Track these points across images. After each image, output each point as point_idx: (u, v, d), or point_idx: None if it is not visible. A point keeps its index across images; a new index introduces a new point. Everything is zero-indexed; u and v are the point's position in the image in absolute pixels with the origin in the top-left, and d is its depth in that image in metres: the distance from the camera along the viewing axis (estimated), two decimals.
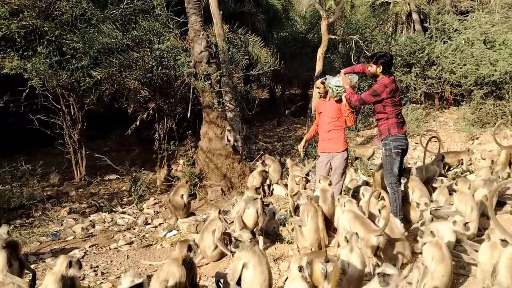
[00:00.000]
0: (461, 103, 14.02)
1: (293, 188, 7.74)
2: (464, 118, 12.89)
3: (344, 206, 5.28)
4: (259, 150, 12.20)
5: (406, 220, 5.98)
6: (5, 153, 10.03)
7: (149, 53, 10.25)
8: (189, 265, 3.90)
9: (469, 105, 13.10)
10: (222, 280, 4.19)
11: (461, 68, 12.92)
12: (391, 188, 5.88)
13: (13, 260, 4.71)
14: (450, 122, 13.72)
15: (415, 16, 18.26)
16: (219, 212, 6.06)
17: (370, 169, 9.10)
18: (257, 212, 6.00)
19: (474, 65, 12.59)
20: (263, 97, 20.73)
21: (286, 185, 9.09)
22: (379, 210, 5.41)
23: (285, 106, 19.14)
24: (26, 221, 8.24)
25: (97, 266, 6.27)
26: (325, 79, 6.33)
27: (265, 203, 6.86)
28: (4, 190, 8.70)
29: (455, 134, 12.40)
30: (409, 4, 18.10)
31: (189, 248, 3.91)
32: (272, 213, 6.40)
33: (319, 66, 11.88)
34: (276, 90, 20.65)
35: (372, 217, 5.42)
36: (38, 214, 8.56)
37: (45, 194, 9.49)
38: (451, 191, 6.41)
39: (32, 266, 6.05)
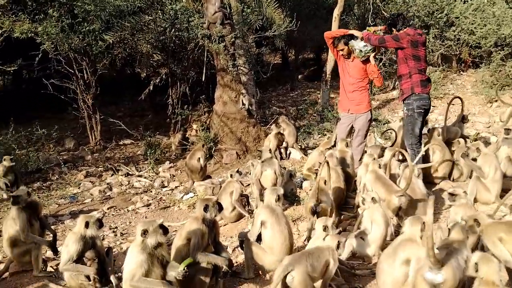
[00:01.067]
0: (480, 65, 13.62)
1: (315, 164, 7.52)
2: (482, 80, 12.55)
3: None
4: (273, 114, 12.08)
5: (427, 181, 5.88)
6: (20, 118, 10.05)
7: (161, 15, 10.02)
8: (210, 224, 3.88)
9: (488, 67, 12.72)
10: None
11: (481, 28, 12.48)
12: (411, 149, 5.78)
13: (34, 221, 4.74)
14: (468, 84, 13.38)
15: None
16: (237, 172, 6.02)
17: (386, 131, 8.95)
18: (275, 173, 5.96)
19: (495, 25, 12.15)
20: (275, 61, 20.38)
21: (302, 149, 9.02)
22: (403, 171, 5.32)
23: (299, 70, 18.81)
24: (44, 184, 8.33)
25: (116, 227, 6.34)
26: (348, 40, 6.13)
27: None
28: (20, 155, 8.76)
29: (473, 97, 12.11)
30: None
31: (205, 208, 3.87)
32: (289, 175, 6.36)
33: (334, 28, 11.53)
34: (289, 54, 20.27)
35: (392, 178, 5.34)
36: (55, 178, 8.64)
37: (61, 158, 9.54)
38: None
39: (52, 227, 6.15)
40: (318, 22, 15.31)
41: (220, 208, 3.93)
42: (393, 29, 5.82)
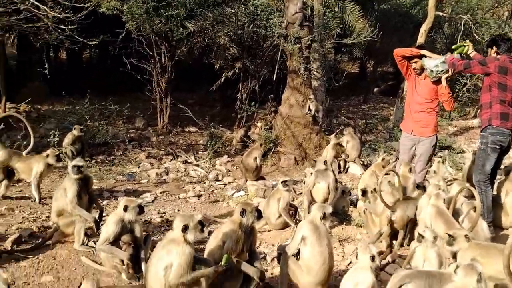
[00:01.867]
0: None
1: (368, 185, 7.10)
2: None
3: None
4: (340, 124, 11.72)
5: (495, 225, 5.36)
6: (97, 91, 10.53)
7: (243, 10, 10.05)
8: (248, 230, 3.73)
9: None
10: None
11: None
12: (478, 187, 5.26)
13: (84, 194, 4.83)
14: None
15: None
16: (281, 183, 5.74)
17: (460, 162, 8.34)
18: (328, 187, 5.70)
19: None
20: (352, 70, 19.86)
21: (363, 165, 8.66)
22: (468, 211, 4.85)
23: (375, 83, 18.20)
24: (107, 158, 8.67)
25: (164, 213, 6.39)
26: (420, 58, 5.71)
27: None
28: (91, 126, 9.18)
29: None
30: None
31: (242, 212, 3.70)
32: (343, 191, 6.07)
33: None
34: (368, 65, 19.67)
35: (456, 215, 4.89)
36: (119, 154, 8.96)
37: (128, 135, 9.89)
38: None
39: (105, 202, 6.36)
40: (404, 35, 14.70)
41: (259, 215, 3.75)
42: (490, 49, 5.32)
